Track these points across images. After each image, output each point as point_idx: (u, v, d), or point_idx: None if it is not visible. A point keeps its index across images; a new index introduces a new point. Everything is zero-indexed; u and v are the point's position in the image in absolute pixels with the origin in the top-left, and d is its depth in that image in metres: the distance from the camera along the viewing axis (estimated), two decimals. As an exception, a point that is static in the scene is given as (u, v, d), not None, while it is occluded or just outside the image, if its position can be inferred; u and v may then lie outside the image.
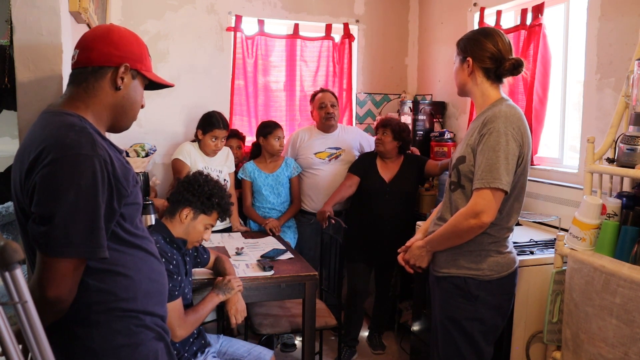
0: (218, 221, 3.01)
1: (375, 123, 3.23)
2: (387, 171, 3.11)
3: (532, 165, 2.94)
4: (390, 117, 3.18)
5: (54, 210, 1.11)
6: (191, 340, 2.01)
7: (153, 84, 1.42)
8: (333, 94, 3.38)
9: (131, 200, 1.26)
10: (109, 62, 1.28)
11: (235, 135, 3.41)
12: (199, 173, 2.10)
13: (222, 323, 3.05)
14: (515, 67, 1.78)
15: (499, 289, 1.81)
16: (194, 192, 1.98)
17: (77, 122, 1.21)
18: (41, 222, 1.11)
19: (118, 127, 1.37)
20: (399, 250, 2.02)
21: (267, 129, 3.20)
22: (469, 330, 1.81)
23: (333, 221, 2.94)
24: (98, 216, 1.15)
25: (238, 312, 2.07)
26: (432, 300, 2.03)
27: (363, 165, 3.16)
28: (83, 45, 1.30)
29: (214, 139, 3.00)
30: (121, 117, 1.35)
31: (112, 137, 3.83)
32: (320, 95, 3.33)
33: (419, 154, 3.35)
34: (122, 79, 1.30)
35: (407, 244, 1.99)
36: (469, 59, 1.81)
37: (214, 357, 2.08)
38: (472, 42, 1.82)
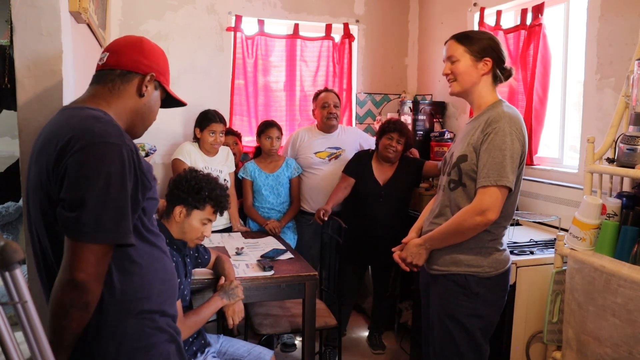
0: (219, 216, 3.04)
1: (381, 124, 3.19)
2: (382, 173, 3.10)
3: (532, 165, 2.94)
4: (401, 122, 3.14)
5: (84, 197, 1.12)
6: (191, 340, 2.01)
7: (166, 102, 1.47)
8: (336, 94, 3.38)
9: (151, 194, 1.28)
10: (137, 68, 1.34)
11: (230, 133, 3.42)
12: (188, 170, 2.08)
13: (222, 323, 3.05)
14: (510, 76, 1.90)
15: (497, 285, 1.84)
16: (182, 188, 1.96)
17: (103, 115, 1.25)
18: (71, 208, 1.12)
19: (132, 133, 1.39)
20: (393, 249, 2.02)
21: (261, 127, 3.26)
22: (469, 328, 1.82)
23: (325, 218, 2.93)
24: (127, 203, 1.17)
25: (235, 313, 2.06)
26: (423, 299, 2.04)
27: (358, 166, 3.14)
28: (114, 50, 1.35)
29: (212, 134, 3.02)
30: (138, 123, 1.39)
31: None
32: (323, 94, 3.33)
33: (418, 156, 3.35)
34: (147, 87, 1.35)
35: (403, 241, 2.00)
36: (489, 60, 1.82)
37: (214, 357, 2.08)
38: (494, 46, 1.85)
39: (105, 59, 1.35)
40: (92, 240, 1.12)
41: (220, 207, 2.02)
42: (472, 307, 1.81)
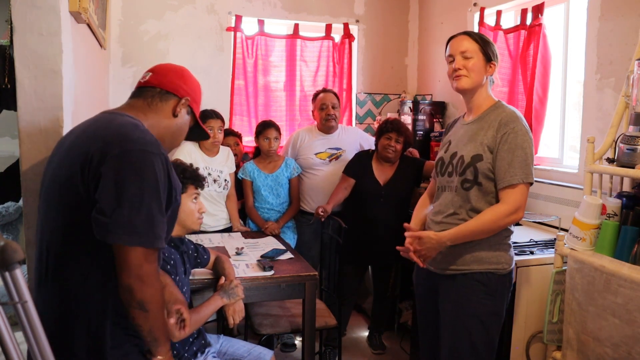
0: (218, 215, 3.04)
1: (378, 124, 3.18)
2: (382, 174, 3.09)
3: (532, 165, 2.94)
4: (398, 121, 3.14)
5: (118, 201, 1.18)
6: (191, 340, 2.01)
7: (191, 133, 1.57)
8: (335, 94, 3.37)
9: (171, 214, 1.33)
10: (176, 91, 1.46)
11: (231, 133, 3.43)
12: None
13: (222, 323, 3.05)
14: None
15: (510, 282, 1.88)
16: None
17: (140, 124, 1.34)
18: (106, 212, 1.17)
19: None
20: (407, 234, 1.90)
21: (258, 128, 3.26)
22: (489, 325, 1.83)
23: (323, 219, 2.93)
24: (160, 209, 1.24)
25: (236, 313, 2.06)
26: (425, 302, 2.01)
27: (358, 166, 3.14)
28: (157, 71, 1.48)
29: (210, 130, 3.02)
30: (167, 140, 1.47)
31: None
32: (321, 95, 3.32)
33: (418, 155, 3.34)
34: (181, 109, 1.46)
35: (417, 234, 1.88)
36: (494, 64, 1.88)
37: (214, 357, 2.08)
38: (497, 52, 1.91)
39: (147, 78, 1.46)
40: (128, 243, 1.18)
41: (198, 181, 2.04)
42: (492, 305, 1.83)
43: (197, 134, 1.60)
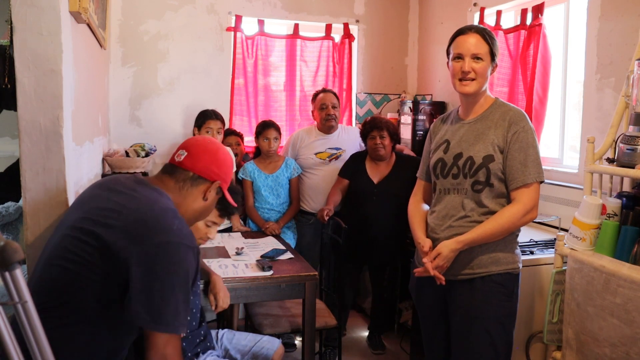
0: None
1: (360, 127, 3.16)
2: (376, 173, 3.09)
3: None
4: (374, 118, 3.13)
5: (152, 291, 1.25)
6: (198, 341, 2.00)
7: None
8: (335, 94, 3.37)
9: (193, 291, 1.46)
10: (208, 176, 1.49)
11: (232, 133, 3.43)
12: None
13: (222, 323, 3.05)
14: None
15: (519, 281, 1.87)
16: None
17: (177, 211, 1.39)
18: (138, 299, 1.24)
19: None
20: (424, 260, 1.83)
21: (258, 129, 3.27)
22: (507, 327, 1.82)
23: (327, 217, 2.94)
24: (187, 300, 1.31)
25: (227, 297, 2.00)
26: (430, 309, 1.98)
27: (352, 167, 3.14)
28: (192, 152, 1.50)
29: (208, 131, 3.03)
30: (192, 220, 1.52)
31: (112, 136, 3.78)
32: (321, 95, 3.32)
33: (411, 152, 3.34)
34: (211, 192, 1.50)
35: (435, 253, 1.80)
36: (496, 65, 1.86)
37: (218, 356, 2.07)
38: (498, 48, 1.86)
39: (182, 158, 1.48)
40: (155, 330, 1.26)
41: (226, 212, 1.93)
42: (509, 307, 1.82)
43: (224, 205, 1.66)
